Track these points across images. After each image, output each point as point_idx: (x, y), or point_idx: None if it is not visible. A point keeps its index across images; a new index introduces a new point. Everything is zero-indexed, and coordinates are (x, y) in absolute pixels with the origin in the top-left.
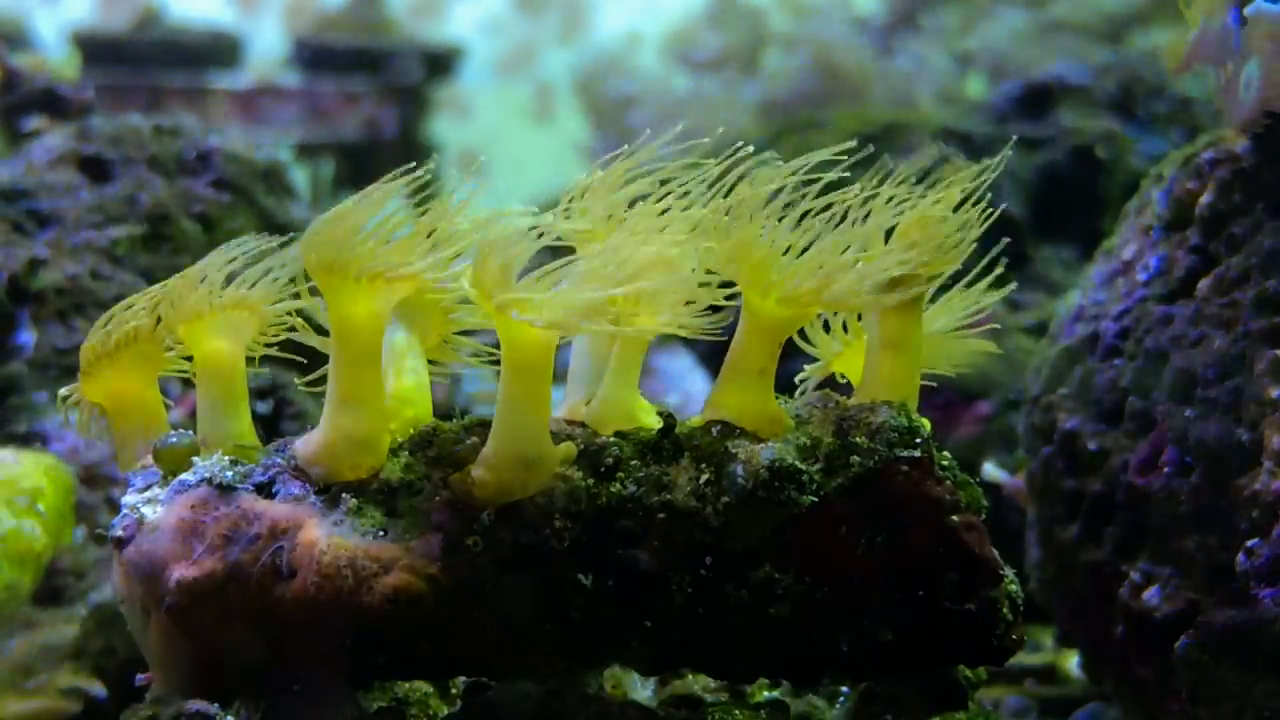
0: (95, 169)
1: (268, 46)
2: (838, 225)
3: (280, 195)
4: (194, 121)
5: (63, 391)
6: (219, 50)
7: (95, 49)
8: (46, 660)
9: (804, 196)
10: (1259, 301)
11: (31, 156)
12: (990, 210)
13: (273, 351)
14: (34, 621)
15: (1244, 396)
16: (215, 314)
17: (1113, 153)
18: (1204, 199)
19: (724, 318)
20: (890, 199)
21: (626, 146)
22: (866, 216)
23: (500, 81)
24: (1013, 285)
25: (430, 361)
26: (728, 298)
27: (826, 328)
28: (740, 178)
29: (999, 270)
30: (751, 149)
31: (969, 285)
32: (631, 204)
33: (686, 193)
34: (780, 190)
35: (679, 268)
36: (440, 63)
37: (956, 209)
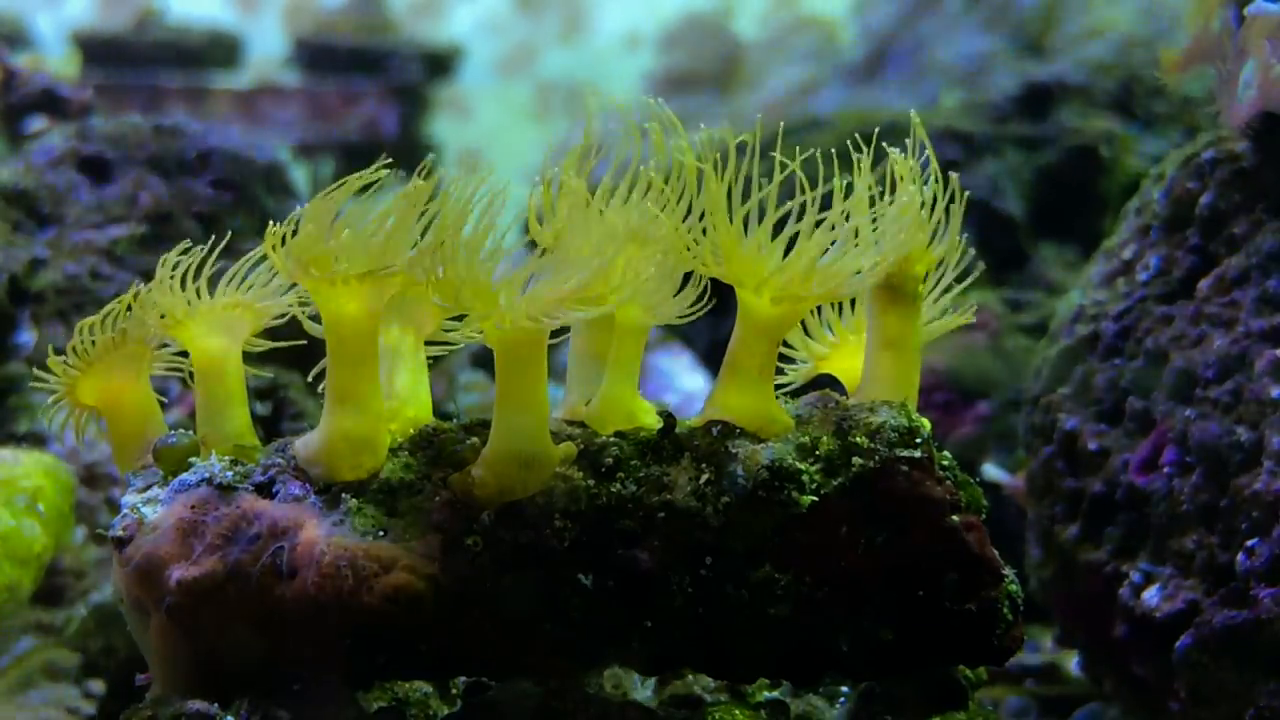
0: (95, 169)
1: (268, 46)
2: (818, 222)
3: (280, 195)
4: (194, 121)
5: (47, 403)
6: (219, 50)
7: (95, 49)
8: (50, 675)
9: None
10: (1259, 301)
11: (31, 157)
12: (955, 189)
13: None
14: (35, 623)
15: (1244, 396)
16: (209, 313)
17: (1113, 153)
18: (1204, 199)
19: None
20: (869, 190)
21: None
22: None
23: (500, 81)
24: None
25: (428, 343)
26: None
27: (817, 312)
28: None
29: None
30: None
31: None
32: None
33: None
34: (754, 187)
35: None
36: (440, 63)
37: (932, 208)
